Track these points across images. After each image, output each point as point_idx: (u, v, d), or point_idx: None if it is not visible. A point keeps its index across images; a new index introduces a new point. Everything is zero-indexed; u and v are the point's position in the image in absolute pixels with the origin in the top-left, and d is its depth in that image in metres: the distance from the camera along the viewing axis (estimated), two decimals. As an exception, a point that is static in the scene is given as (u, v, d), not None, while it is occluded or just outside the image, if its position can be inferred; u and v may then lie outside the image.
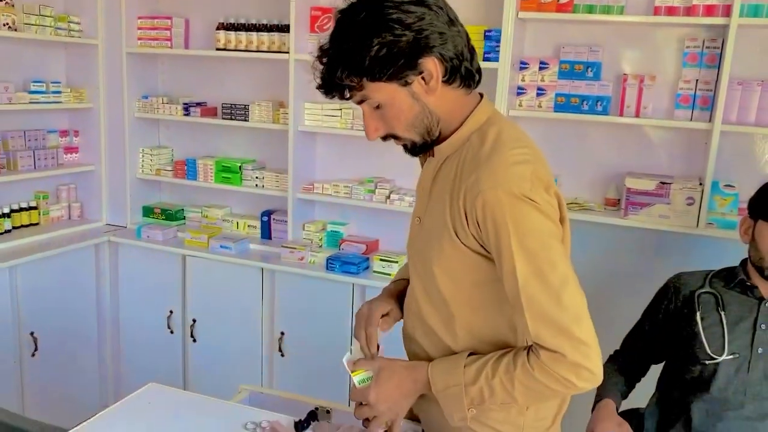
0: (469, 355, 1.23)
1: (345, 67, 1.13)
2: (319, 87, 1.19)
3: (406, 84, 1.15)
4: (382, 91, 1.16)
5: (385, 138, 1.25)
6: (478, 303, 1.24)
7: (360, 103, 1.20)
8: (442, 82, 1.17)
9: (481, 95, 1.28)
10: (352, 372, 1.30)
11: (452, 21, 1.17)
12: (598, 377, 1.14)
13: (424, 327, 1.32)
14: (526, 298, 1.12)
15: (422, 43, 1.12)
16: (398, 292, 1.46)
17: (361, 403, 1.28)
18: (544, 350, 1.13)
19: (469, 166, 1.18)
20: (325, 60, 1.16)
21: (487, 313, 1.25)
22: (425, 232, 1.28)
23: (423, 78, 1.16)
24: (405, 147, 1.27)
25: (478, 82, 1.24)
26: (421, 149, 1.26)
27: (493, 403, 1.20)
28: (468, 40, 1.20)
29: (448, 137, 1.24)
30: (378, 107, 1.19)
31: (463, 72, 1.19)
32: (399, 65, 1.12)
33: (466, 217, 1.16)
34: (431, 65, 1.14)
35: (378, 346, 1.34)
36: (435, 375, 1.24)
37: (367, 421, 1.29)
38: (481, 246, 1.18)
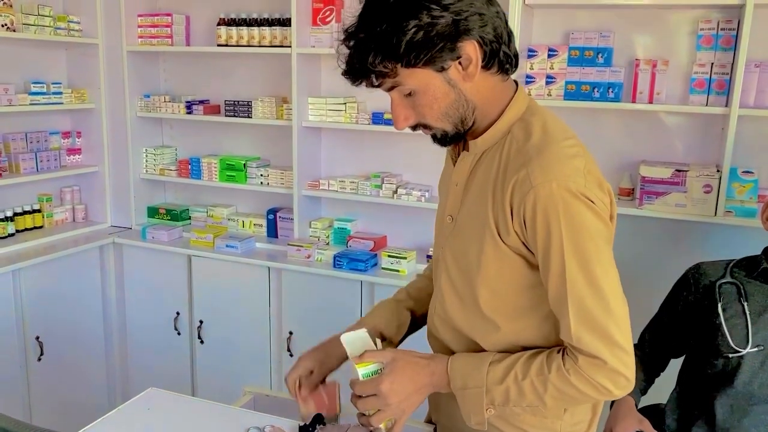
0: (496, 352, 1.17)
1: (378, 51, 1.05)
2: (345, 73, 1.11)
3: (443, 69, 1.07)
4: (415, 77, 1.08)
5: (414, 127, 1.17)
6: (514, 306, 1.17)
7: (389, 90, 1.12)
8: (481, 67, 1.09)
9: (516, 83, 1.20)
10: (357, 364, 1.20)
11: (490, 1, 1.09)
12: (632, 385, 1.10)
13: (453, 332, 1.25)
14: (573, 300, 1.06)
15: (461, 26, 1.04)
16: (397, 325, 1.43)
17: (360, 397, 1.19)
18: (582, 355, 1.08)
19: (516, 160, 1.10)
20: (352, 44, 1.07)
21: (528, 319, 1.18)
22: (462, 232, 1.20)
23: (460, 63, 1.08)
24: (434, 137, 1.18)
25: (516, 66, 1.16)
26: (452, 139, 1.17)
27: (519, 404, 1.14)
28: (506, 21, 1.12)
29: (483, 128, 1.16)
30: (409, 94, 1.11)
31: (502, 57, 1.11)
32: (437, 49, 1.04)
33: (512, 214, 1.09)
34: (470, 49, 1.06)
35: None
36: (455, 371, 1.17)
37: (362, 416, 1.20)
38: (524, 245, 1.11)
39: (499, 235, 1.11)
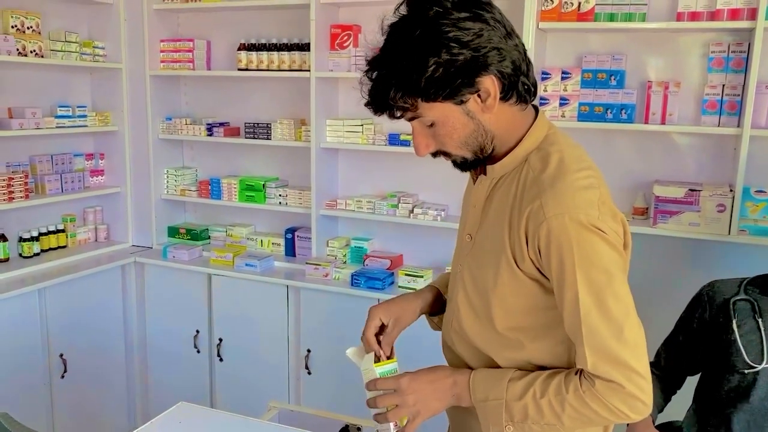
0: (515, 369, 1.20)
1: (399, 87, 1.08)
2: (368, 104, 1.14)
3: (462, 102, 1.11)
4: (435, 109, 1.11)
5: (435, 154, 1.20)
6: (532, 327, 1.21)
7: (410, 120, 1.15)
8: (500, 99, 1.12)
9: (536, 109, 1.23)
10: (375, 364, 1.26)
11: (509, 34, 1.12)
12: (650, 408, 1.12)
13: (468, 346, 1.29)
14: (587, 330, 1.09)
15: (480, 62, 1.07)
16: (423, 299, 1.43)
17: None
18: (600, 380, 1.10)
19: (531, 190, 1.13)
20: (374, 76, 1.11)
21: (542, 340, 1.21)
22: (479, 252, 1.24)
23: (479, 96, 1.11)
24: (454, 162, 1.22)
25: (534, 95, 1.19)
26: (472, 165, 1.21)
27: (537, 422, 1.16)
28: (524, 52, 1.15)
29: (502, 154, 1.19)
30: (431, 125, 1.14)
31: (520, 88, 1.14)
32: (456, 85, 1.08)
33: (527, 242, 1.12)
34: (489, 83, 1.10)
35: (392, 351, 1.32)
36: (476, 383, 1.20)
37: (378, 414, 1.24)
38: (539, 271, 1.15)
39: (515, 260, 1.15)
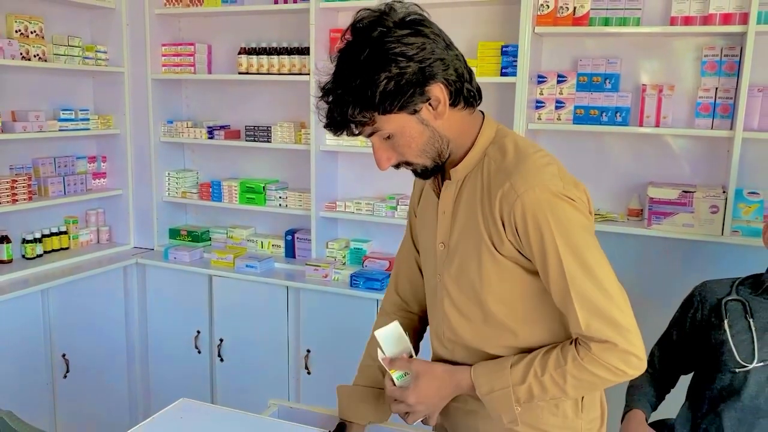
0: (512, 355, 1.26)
1: (356, 104, 1.15)
2: (327, 126, 1.21)
3: (415, 112, 1.18)
4: (392, 122, 1.18)
5: (397, 166, 1.27)
6: (523, 313, 1.27)
7: (369, 135, 1.22)
8: (449, 105, 1.20)
9: (482, 113, 1.31)
10: (390, 369, 1.32)
11: (449, 46, 1.20)
12: (645, 363, 1.18)
13: (466, 350, 1.33)
14: (576, 293, 1.15)
15: (427, 72, 1.15)
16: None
17: (395, 400, 1.32)
18: (594, 342, 1.16)
19: (497, 177, 1.21)
20: (331, 99, 1.18)
21: (537, 324, 1.27)
22: (456, 256, 1.29)
23: (430, 104, 1.18)
24: (415, 171, 1.29)
25: (480, 100, 1.27)
26: (432, 172, 1.28)
27: (543, 399, 1.23)
28: (465, 62, 1.24)
29: (459, 158, 1.27)
30: (388, 137, 1.21)
31: (466, 93, 1.22)
32: (408, 96, 1.15)
33: (504, 225, 1.19)
34: (437, 91, 1.17)
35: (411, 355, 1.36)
36: (479, 378, 1.26)
37: (406, 414, 1.33)
38: (519, 253, 1.21)
39: (495, 247, 1.22)
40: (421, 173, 1.29)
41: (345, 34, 1.19)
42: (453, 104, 1.21)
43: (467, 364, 1.32)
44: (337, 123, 1.19)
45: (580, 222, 1.17)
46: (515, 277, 1.23)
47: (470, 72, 1.24)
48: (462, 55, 1.23)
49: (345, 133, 1.21)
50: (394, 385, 1.33)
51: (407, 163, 1.26)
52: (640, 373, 1.19)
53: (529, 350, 1.26)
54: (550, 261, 1.16)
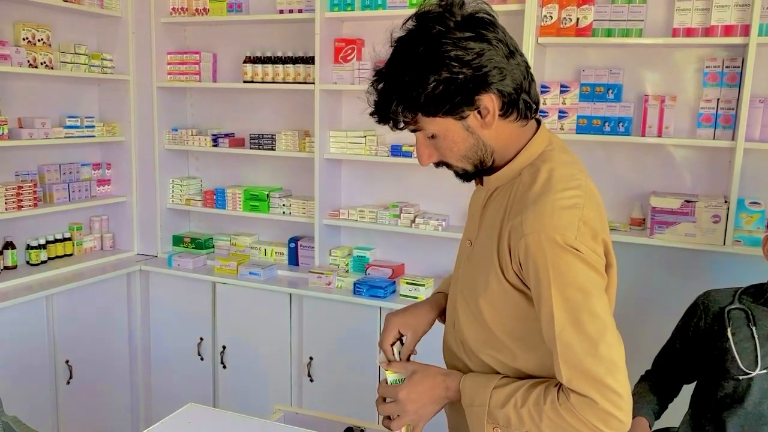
0: (502, 377, 1.24)
1: (400, 101, 1.13)
2: (372, 114, 1.18)
3: (461, 118, 1.14)
4: (435, 124, 1.15)
5: (437, 165, 1.24)
6: (522, 336, 1.23)
7: (413, 131, 1.20)
8: (499, 116, 1.15)
9: (538, 122, 1.26)
10: (386, 370, 1.33)
11: (512, 53, 1.14)
12: (627, 426, 1.12)
13: (466, 351, 1.33)
14: (561, 345, 1.11)
15: (480, 80, 1.10)
16: (438, 307, 1.46)
17: (384, 400, 1.30)
18: (574, 394, 1.11)
19: (517, 205, 1.17)
20: (380, 87, 1.15)
21: (529, 350, 1.24)
22: (475, 260, 1.28)
23: (479, 113, 1.14)
24: (456, 173, 1.26)
25: (537, 111, 1.22)
26: (473, 176, 1.26)
27: (519, 429, 1.18)
28: (527, 69, 1.18)
29: (502, 166, 1.23)
30: (432, 137, 1.18)
31: (521, 105, 1.17)
32: (454, 102, 1.11)
33: (510, 255, 1.16)
34: (488, 101, 1.13)
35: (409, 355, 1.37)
36: (465, 387, 1.25)
37: (387, 419, 1.30)
38: (523, 284, 1.18)
39: (502, 272, 1.18)
40: (462, 175, 1.26)
41: (408, 20, 1.14)
42: (504, 115, 1.16)
43: (465, 362, 1.32)
44: (380, 115, 1.17)
45: (585, 276, 1.10)
46: (517, 302, 1.20)
47: (531, 81, 1.18)
48: (526, 63, 1.18)
49: (388, 124, 1.18)
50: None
51: (447, 164, 1.23)
52: None
53: (527, 375, 1.24)
54: (543, 308, 1.12)
